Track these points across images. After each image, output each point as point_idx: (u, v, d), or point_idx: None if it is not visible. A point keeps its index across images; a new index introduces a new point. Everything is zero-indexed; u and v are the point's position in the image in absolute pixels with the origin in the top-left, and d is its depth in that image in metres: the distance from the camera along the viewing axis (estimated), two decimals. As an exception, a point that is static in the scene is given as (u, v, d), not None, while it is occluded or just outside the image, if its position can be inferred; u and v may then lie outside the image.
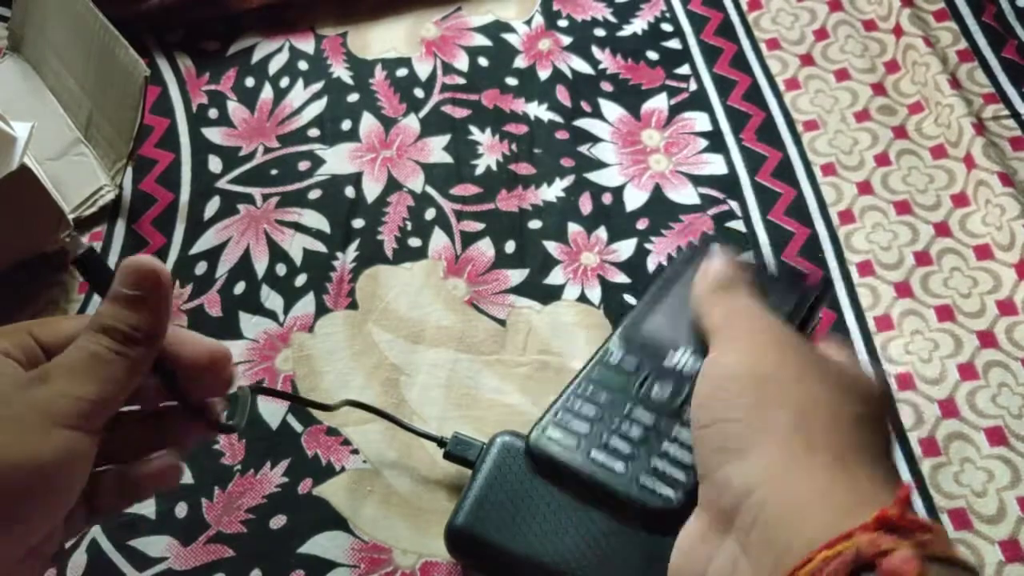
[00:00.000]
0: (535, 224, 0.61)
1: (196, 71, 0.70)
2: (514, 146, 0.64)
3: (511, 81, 0.68)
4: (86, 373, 0.29)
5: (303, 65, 0.69)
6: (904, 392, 0.53)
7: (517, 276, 0.59)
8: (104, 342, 0.29)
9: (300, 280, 0.59)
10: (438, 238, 0.60)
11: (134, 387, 0.30)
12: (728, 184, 0.62)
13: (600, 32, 0.70)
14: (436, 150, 0.65)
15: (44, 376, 0.29)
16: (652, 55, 0.69)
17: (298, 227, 0.61)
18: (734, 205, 0.61)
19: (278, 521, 0.50)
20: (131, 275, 0.30)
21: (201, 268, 0.60)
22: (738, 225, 0.60)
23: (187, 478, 0.51)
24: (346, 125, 0.66)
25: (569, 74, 0.68)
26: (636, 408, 0.32)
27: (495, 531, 0.44)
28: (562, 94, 0.67)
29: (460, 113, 0.66)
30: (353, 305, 0.58)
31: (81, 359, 0.29)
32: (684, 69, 0.68)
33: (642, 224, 0.61)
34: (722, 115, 0.65)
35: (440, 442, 0.49)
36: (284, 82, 0.69)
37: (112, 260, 0.61)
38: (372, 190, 0.63)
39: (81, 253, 0.30)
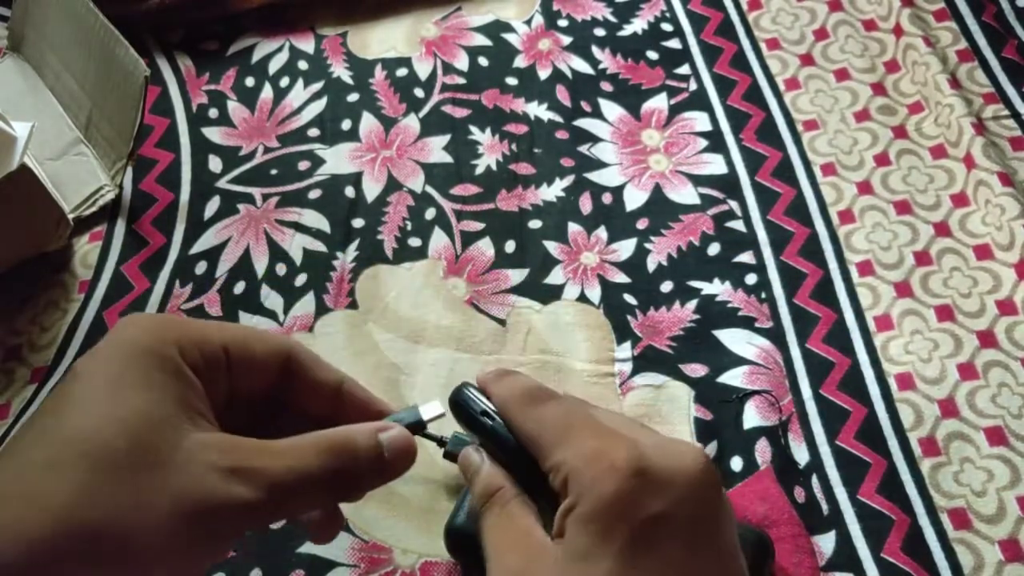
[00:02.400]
0: (535, 224, 0.61)
1: (196, 71, 0.70)
2: (514, 146, 0.64)
3: (511, 81, 0.68)
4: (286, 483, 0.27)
5: (303, 65, 0.70)
6: (904, 392, 0.53)
7: (517, 276, 0.59)
8: (327, 472, 0.28)
9: (300, 280, 0.59)
10: (438, 238, 0.60)
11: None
12: (728, 184, 0.62)
13: (600, 32, 0.70)
14: (436, 150, 0.65)
15: (237, 469, 0.26)
16: (652, 55, 0.69)
17: (298, 227, 0.61)
18: (734, 205, 0.61)
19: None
20: (400, 448, 0.31)
21: (201, 268, 0.60)
22: (738, 225, 0.60)
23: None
24: (346, 125, 0.66)
25: (569, 74, 0.68)
26: None
27: None
28: (562, 94, 0.67)
29: (460, 113, 0.66)
30: (353, 305, 0.58)
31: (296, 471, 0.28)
32: (684, 69, 0.68)
33: (642, 224, 0.61)
34: (722, 115, 0.65)
35: (440, 442, 0.49)
36: (284, 82, 0.69)
37: (112, 260, 0.61)
38: (372, 190, 0.63)
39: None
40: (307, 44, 0.71)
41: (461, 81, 0.68)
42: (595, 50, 0.69)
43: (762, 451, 0.51)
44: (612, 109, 0.66)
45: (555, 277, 0.58)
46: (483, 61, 0.69)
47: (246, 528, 0.27)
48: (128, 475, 0.24)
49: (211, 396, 0.28)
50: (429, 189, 0.63)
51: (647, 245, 0.60)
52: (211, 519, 0.25)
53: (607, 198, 0.62)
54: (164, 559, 0.24)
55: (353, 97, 0.68)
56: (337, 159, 0.64)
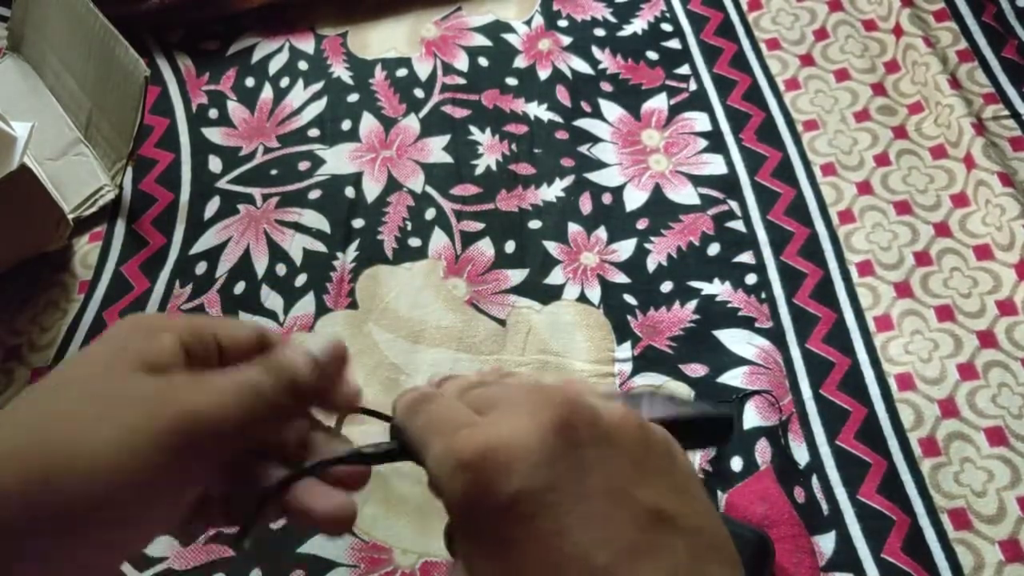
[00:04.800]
0: (535, 224, 0.61)
1: (196, 71, 0.70)
2: (514, 146, 0.64)
3: (511, 81, 0.68)
4: (222, 392, 0.28)
5: (303, 65, 0.70)
6: (904, 392, 0.53)
7: (517, 276, 0.59)
8: (265, 379, 0.29)
9: (300, 280, 0.59)
10: (438, 238, 0.60)
11: (256, 435, 0.29)
12: (728, 184, 0.62)
13: (600, 32, 0.70)
14: (436, 150, 0.65)
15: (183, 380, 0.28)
16: (652, 55, 0.69)
17: (298, 227, 0.61)
18: (734, 205, 0.61)
19: (278, 520, 0.50)
20: (330, 348, 0.31)
21: (201, 268, 0.60)
22: (738, 225, 0.60)
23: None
24: (346, 125, 0.66)
25: (569, 74, 0.68)
26: None
27: None
28: (562, 94, 0.67)
29: (460, 113, 0.66)
30: (353, 305, 0.58)
31: (232, 380, 0.28)
32: (684, 69, 0.68)
33: (642, 224, 0.61)
34: (722, 115, 0.65)
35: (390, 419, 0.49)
36: (284, 82, 0.69)
37: (112, 260, 0.61)
38: (372, 190, 0.63)
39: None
40: (307, 44, 0.71)
41: (461, 81, 0.68)
42: (595, 50, 0.69)
43: (762, 451, 0.51)
44: (612, 109, 0.66)
45: (555, 277, 0.58)
46: (483, 61, 0.69)
47: (213, 434, 0.27)
48: (71, 411, 0.26)
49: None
50: (429, 189, 0.63)
51: (647, 245, 0.60)
52: (164, 433, 0.26)
53: (607, 198, 0.62)
54: (132, 485, 0.25)
55: (353, 97, 0.68)
56: (337, 159, 0.64)
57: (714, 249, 0.59)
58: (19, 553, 0.24)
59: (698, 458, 0.51)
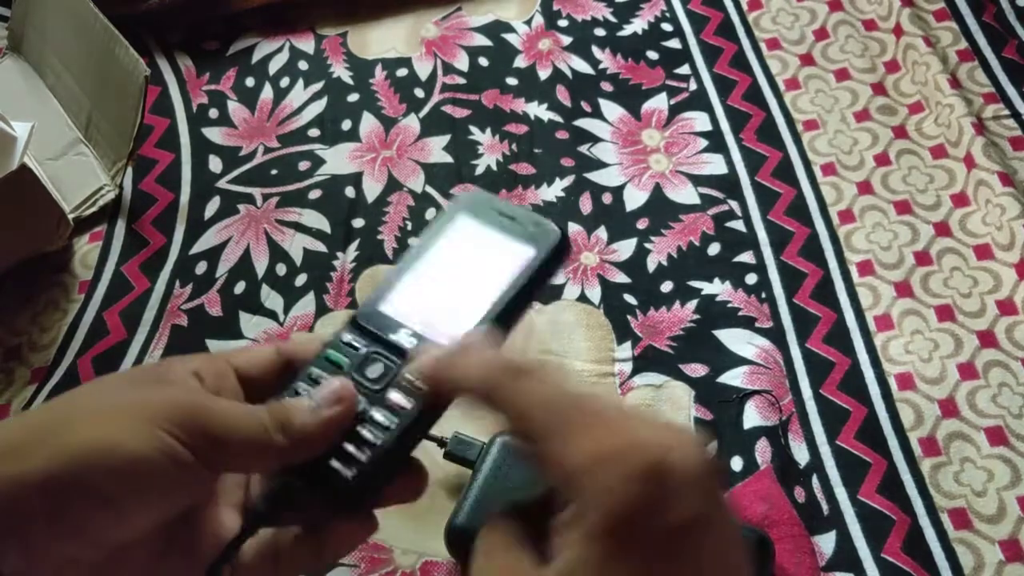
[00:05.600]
0: (535, 224, 0.61)
1: (196, 71, 0.70)
2: (514, 146, 0.64)
3: (511, 81, 0.68)
4: (226, 417, 0.28)
5: (303, 65, 0.70)
6: (904, 392, 0.53)
7: (517, 276, 0.59)
8: (271, 427, 0.29)
9: (300, 280, 0.59)
10: (438, 238, 0.60)
11: (252, 466, 0.30)
12: (728, 184, 0.62)
13: (600, 32, 0.70)
14: (436, 150, 0.65)
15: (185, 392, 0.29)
16: (652, 55, 0.69)
17: (298, 227, 0.61)
18: (734, 205, 0.61)
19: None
20: (329, 395, 0.30)
21: (201, 268, 0.60)
22: (738, 225, 0.60)
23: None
24: (346, 125, 0.66)
25: (569, 74, 0.68)
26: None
27: None
28: (562, 94, 0.67)
29: (460, 113, 0.66)
30: (353, 305, 0.58)
31: (240, 409, 0.29)
32: (684, 69, 0.68)
33: (642, 224, 0.61)
34: (722, 115, 0.65)
35: (440, 442, 0.49)
36: (284, 82, 0.69)
37: (112, 260, 0.61)
38: (372, 190, 0.63)
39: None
40: (307, 44, 0.71)
41: (461, 81, 0.68)
42: (595, 50, 0.69)
43: (762, 451, 0.51)
44: (612, 109, 0.66)
45: (555, 277, 0.58)
46: (483, 61, 0.69)
47: (202, 434, 0.27)
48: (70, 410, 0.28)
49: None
50: (429, 189, 0.63)
51: (647, 245, 0.60)
52: (155, 412, 0.27)
53: (607, 198, 0.62)
54: (115, 454, 0.26)
55: (353, 97, 0.68)
56: (337, 159, 0.64)
57: (714, 249, 0.59)
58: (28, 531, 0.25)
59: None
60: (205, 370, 0.30)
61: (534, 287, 0.33)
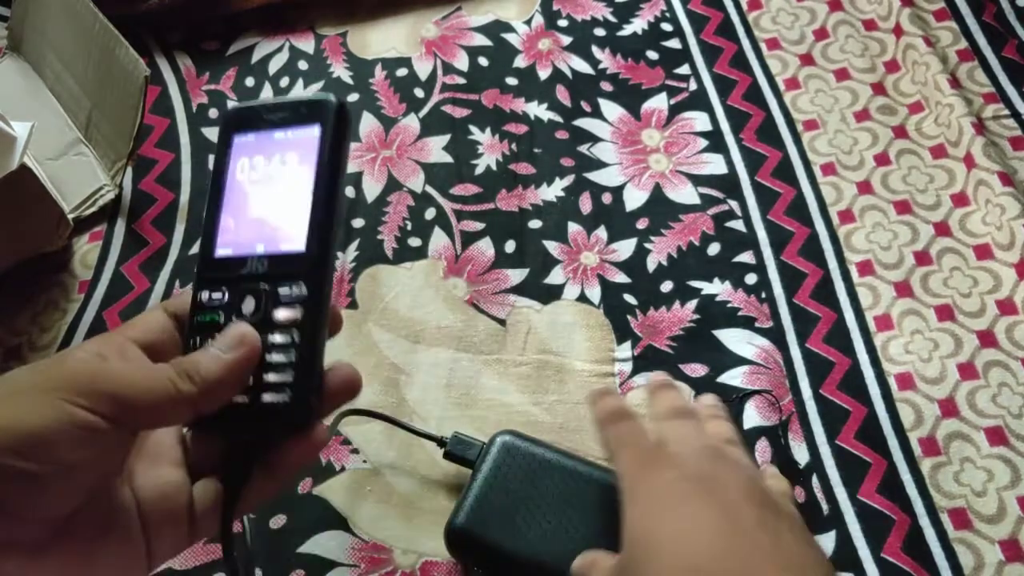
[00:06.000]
0: (535, 224, 0.61)
1: (196, 71, 0.70)
2: (514, 146, 0.64)
3: (511, 81, 0.68)
4: (128, 377, 0.29)
5: (303, 65, 0.70)
6: (904, 392, 0.53)
7: (517, 276, 0.59)
8: (177, 379, 0.30)
9: (300, 280, 0.59)
10: (438, 238, 0.60)
11: (165, 419, 0.30)
12: (728, 184, 0.62)
13: (600, 32, 0.70)
14: (436, 150, 0.65)
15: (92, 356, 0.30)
16: (652, 55, 0.69)
17: (298, 227, 0.61)
18: (734, 205, 0.61)
19: (278, 521, 0.50)
20: (231, 339, 0.31)
21: (201, 268, 0.60)
22: (738, 225, 0.60)
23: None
24: (346, 125, 0.66)
25: (569, 74, 0.68)
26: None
27: (495, 531, 0.44)
28: (562, 94, 0.67)
29: (460, 113, 0.66)
30: (353, 305, 0.58)
31: (144, 368, 0.30)
32: (684, 69, 0.68)
33: (642, 224, 0.61)
34: (722, 115, 0.65)
35: (440, 442, 0.49)
36: (284, 82, 0.69)
37: (112, 260, 0.61)
38: (372, 190, 0.63)
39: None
40: (307, 44, 0.71)
41: (461, 81, 0.68)
42: (595, 50, 0.69)
43: (762, 451, 0.51)
44: (612, 109, 0.66)
45: (555, 277, 0.58)
46: (483, 61, 0.69)
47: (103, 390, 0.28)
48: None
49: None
50: (429, 189, 0.63)
51: (647, 245, 0.60)
52: (60, 385, 0.27)
53: (607, 198, 0.62)
54: (32, 430, 0.26)
55: (353, 97, 0.68)
56: (337, 159, 0.64)
57: (714, 249, 0.59)
58: None
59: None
60: (105, 349, 0.31)
61: (338, 161, 0.33)
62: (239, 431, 0.32)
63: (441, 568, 0.48)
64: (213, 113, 0.68)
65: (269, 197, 0.34)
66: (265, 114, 0.34)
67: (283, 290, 0.32)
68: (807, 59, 0.68)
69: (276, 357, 0.32)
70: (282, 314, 0.32)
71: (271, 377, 0.32)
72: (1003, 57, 0.66)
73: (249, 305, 0.32)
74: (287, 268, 0.33)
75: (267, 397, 0.31)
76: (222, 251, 0.34)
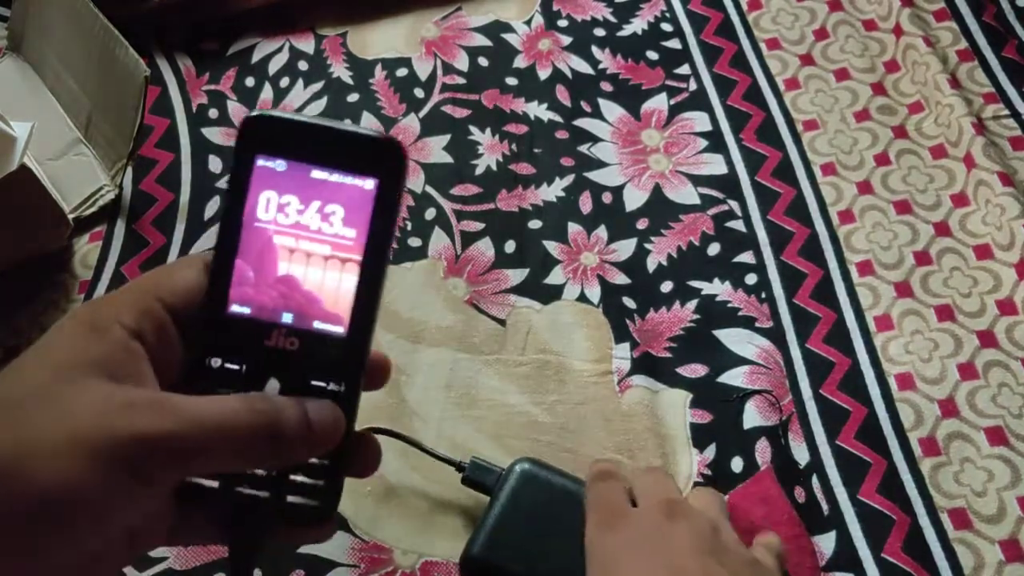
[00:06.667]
0: (535, 224, 0.61)
1: (196, 71, 0.70)
2: (514, 146, 0.64)
3: (511, 81, 0.68)
4: (183, 422, 0.25)
5: (303, 65, 0.70)
6: (904, 392, 0.53)
7: (517, 276, 0.59)
8: (244, 419, 0.26)
9: (300, 280, 0.59)
10: (438, 238, 0.60)
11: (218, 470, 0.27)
12: (728, 184, 0.62)
13: (600, 32, 0.70)
14: (436, 150, 0.65)
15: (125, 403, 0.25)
16: (652, 55, 0.69)
17: (298, 227, 0.61)
18: (734, 205, 0.61)
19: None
20: (328, 418, 0.28)
21: (201, 268, 0.60)
22: (738, 225, 0.60)
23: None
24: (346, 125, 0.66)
25: (569, 74, 0.68)
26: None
27: (512, 560, 0.43)
28: (562, 94, 0.67)
29: (460, 113, 0.66)
30: (353, 305, 0.58)
31: (201, 409, 0.26)
32: (684, 69, 0.68)
33: (642, 224, 0.61)
34: (722, 115, 0.65)
35: (458, 466, 0.48)
36: (284, 82, 0.69)
37: (112, 260, 0.61)
38: (372, 190, 0.63)
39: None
40: (307, 44, 0.71)
41: (461, 81, 0.68)
42: (595, 50, 0.69)
43: (762, 451, 0.51)
44: (612, 109, 0.66)
45: (555, 277, 0.58)
46: (483, 61, 0.69)
47: (164, 464, 0.25)
48: (21, 415, 0.25)
49: (163, 358, 0.28)
50: (429, 189, 0.63)
51: (647, 245, 0.60)
52: (115, 449, 0.24)
53: (607, 198, 0.62)
54: (76, 494, 0.24)
55: (353, 97, 0.68)
56: (337, 159, 0.64)
57: (714, 249, 0.59)
58: None
59: (695, 462, 0.51)
60: (143, 326, 0.27)
61: (394, 227, 0.27)
62: (251, 525, 0.28)
63: (441, 568, 0.48)
64: (213, 113, 0.68)
65: (303, 256, 0.27)
66: (302, 139, 0.27)
67: (316, 382, 0.27)
68: (807, 59, 0.68)
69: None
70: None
71: (301, 478, 0.28)
72: (1003, 57, 0.66)
73: (273, 388, 0.27)
74: (323, 354, 0.27)
75: (293, 498, 0.28)
76: (238, 309, 0.27)
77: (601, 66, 0.68)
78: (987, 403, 0.52)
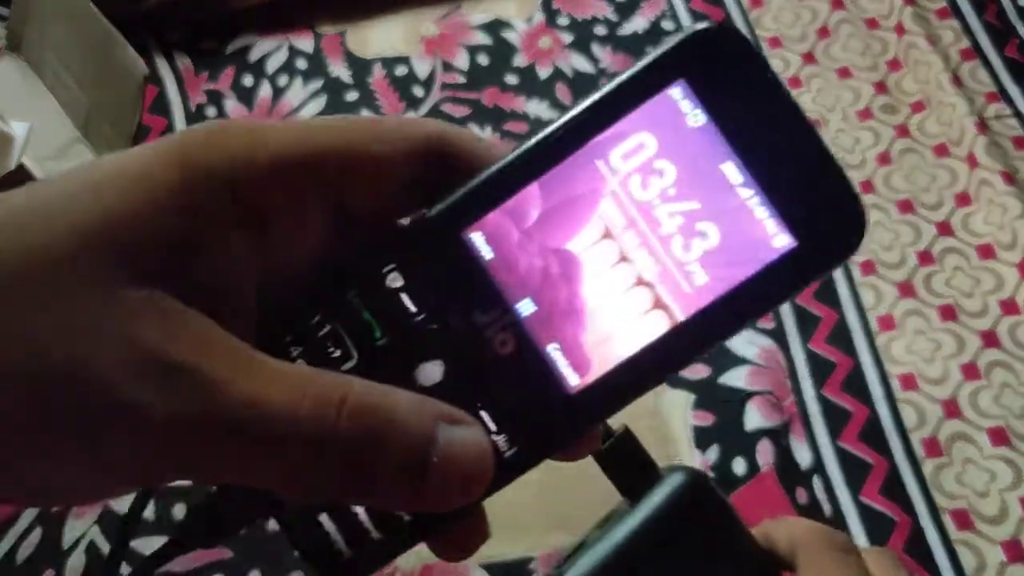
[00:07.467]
0: (535, 224, 0.61)
1: (195, 70, 0.70)
2: (514, 145, 0.64)
3: (511, 79, 0.67)
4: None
5: (302, 64, 0.69)
6: (906, 392, 0.53)
7: (517, 276, 0.58)
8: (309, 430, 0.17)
9: (300, 280, 0.59)
10: (438, 238, 0.60)
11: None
12: (729, 183, 0.62)
13: (600, 30, 0.70)
14: (436, 149, 0.64)
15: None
16: (653, 53, 0.69)
17: (298, 227, 0.61)
18: (735, 204, 0.61)
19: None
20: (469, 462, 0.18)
21: (200, 268, 0.60)
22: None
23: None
24: (346, 124, 0.66)
25: (569, 72, 0.68)
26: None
27: None
28: (562, 92, 0.66)
29: (460, 112, 0.66)
30: (353, 305, 0.58)
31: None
32: (685, 68, 0.68)
33: (643, 223, 0.60)
34: (723, 114, 0.65)
35: (607, 433, 0.28)
36: (283, 81, 0.69)
37: (111, 260, 0.61)
38: (372, 189, 0.62)
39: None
40: (306, 43, 0.71)
41: (461, 80, 0.68)
42: (595, 48, 0.69)
43: (764, 452, 0.50)
44: (613, 108, 0.66)
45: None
46: (483, 59, 0.69)
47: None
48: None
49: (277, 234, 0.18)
50: (429, 189, 0.62)
51: (648, 245, 0.59)
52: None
53: (608, 197, 0.62)
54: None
55: (352, 96, 0.67)
56: (337, 158, 0.64)
57: (715, 249, 0.59)
58: None
59: (698, 464, 0.51)
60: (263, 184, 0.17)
61: (772, 302, 0.19)
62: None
63: (441, 569, 0.48)
64: (212, 112, 0.67)
65: (615, 251, 0.19)
66: (761, 103, 0.18)
67: (487, 416, 0.19)
68: (809, 57, 0.68)
69: None
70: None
71: (362, 515, 0.20)
72: (1005, 56, 0.65)
73: (428, 376, 0.19)
74: (523, 389, 0.19)
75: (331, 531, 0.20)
76: (477, 240, 0.19)
77: (602, 64, 0.68)
78: (990, 404, 0.52)
